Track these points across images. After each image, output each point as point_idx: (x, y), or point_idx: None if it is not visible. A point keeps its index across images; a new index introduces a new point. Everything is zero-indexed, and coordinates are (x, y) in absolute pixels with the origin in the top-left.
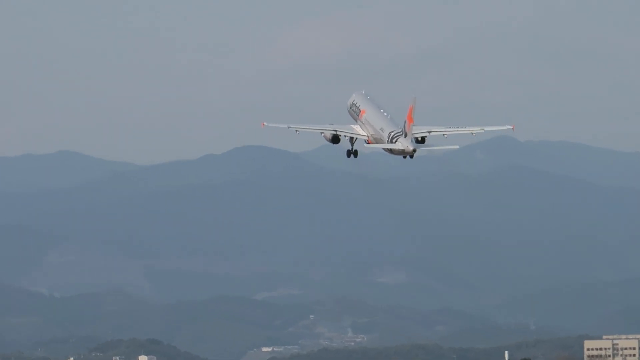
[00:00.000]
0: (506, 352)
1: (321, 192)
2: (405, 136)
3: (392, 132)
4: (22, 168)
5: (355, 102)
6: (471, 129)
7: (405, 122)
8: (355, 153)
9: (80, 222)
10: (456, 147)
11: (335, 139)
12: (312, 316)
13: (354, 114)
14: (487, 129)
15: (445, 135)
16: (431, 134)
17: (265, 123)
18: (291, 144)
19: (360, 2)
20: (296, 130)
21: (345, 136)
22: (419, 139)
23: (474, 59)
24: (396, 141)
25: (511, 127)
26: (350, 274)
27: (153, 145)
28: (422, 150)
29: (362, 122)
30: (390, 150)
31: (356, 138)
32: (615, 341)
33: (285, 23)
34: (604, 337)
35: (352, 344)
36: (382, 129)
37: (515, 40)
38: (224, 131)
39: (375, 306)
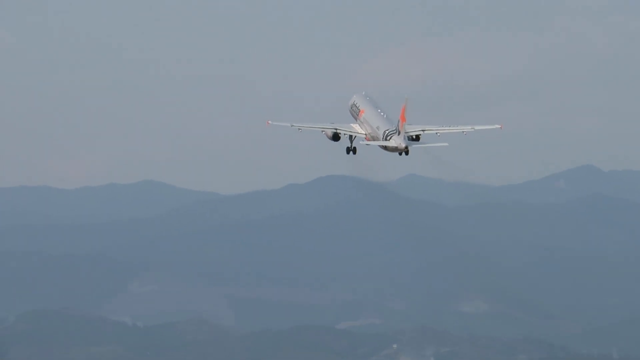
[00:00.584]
0: None
1: (404, 222)
2: (399, 134)
3: (386, 130)
4: (107, 197)
5: (355, 103)
6: (462, 128)
7: (398, 121)
8: (354, 150)
9: (164, 251)
10: (446, 144)
11: (335, 137)
12: (394, 345)
13: (354, 113)
14: (477, 127)
15: (438, 134)
16: (425, 132)
17: (269, 121)
18: (375, 173)
19: (439, 30)
20: (299, 129)
21: (344, 134)
22: (414, 136)
23: (555, 87)
24: (390, 139)
25: (499, 127)
26: (431, 303)
27: (236, 175)
28: (415, 147)
29: (361, 121)
30: (385, 147)
31: (355, 136)
32: None
33: (365, 52)
34: None
35: None
36: (378, 128)
37: (597, 68)
38: (308, 161)
39: (457, 335)
